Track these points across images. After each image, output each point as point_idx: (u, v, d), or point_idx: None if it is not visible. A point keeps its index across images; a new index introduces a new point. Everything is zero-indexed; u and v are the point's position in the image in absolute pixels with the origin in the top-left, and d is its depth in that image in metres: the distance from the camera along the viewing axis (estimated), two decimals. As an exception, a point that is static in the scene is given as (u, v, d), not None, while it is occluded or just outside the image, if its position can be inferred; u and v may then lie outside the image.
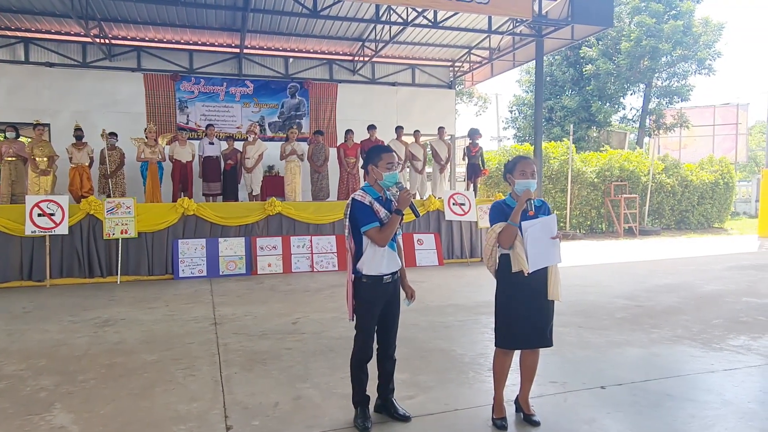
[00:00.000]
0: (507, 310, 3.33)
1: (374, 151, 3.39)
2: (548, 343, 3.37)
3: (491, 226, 3.35)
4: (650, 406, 3.63)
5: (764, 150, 18.09)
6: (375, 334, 3.39)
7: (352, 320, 3.38)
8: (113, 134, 10.45)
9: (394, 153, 3.43)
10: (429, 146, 12.12)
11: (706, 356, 4.71)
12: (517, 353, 3.47)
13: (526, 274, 3.19)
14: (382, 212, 3.27)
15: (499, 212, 3.32)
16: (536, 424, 3.34)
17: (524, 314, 3.28)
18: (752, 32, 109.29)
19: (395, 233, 3.32)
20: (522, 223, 3.22)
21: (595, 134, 25.76)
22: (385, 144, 10.32)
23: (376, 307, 3.33)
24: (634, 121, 27.43)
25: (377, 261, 3.28)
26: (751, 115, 35.85)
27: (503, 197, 3.51)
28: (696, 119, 28.21)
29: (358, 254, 3.31)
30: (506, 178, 3.42)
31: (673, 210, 18.66)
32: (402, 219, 3.33)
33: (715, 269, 9.67)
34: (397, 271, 3.39)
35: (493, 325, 3.42)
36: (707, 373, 4.31)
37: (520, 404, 3.47)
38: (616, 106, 26.43)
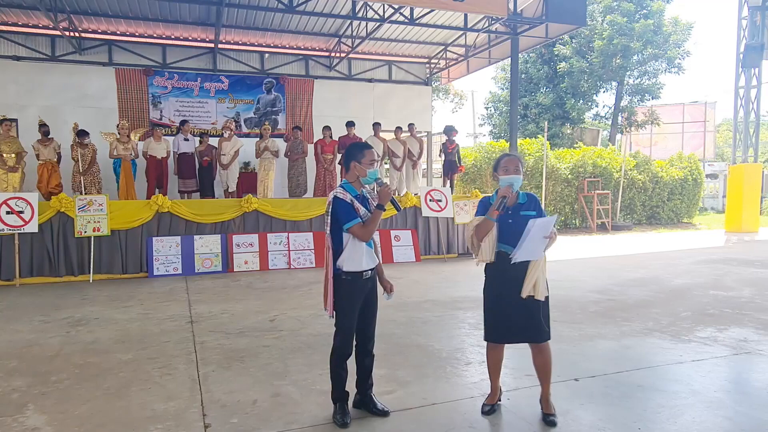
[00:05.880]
0: (490, 305, 3.46)
1: (357, 148, 3.41)
2: (534, 339, 3.40)
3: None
4: (621, 397, 3.73)
5: (731, 147, 18.59)
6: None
7: (332, 317, 3.40)
8: (83, 132, 10.13)
9: (374, 150, 3.46)
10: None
11: (675, 348, 4.85)
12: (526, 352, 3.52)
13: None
14: (361, 210, 3.31)
15: (483, 207, 3.46)
16: (553, 424, 3.32)
17: (504, 309, 3.37)
18: (719, 32, 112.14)
19: (372, 230, 3.35)
20: (530, 220, 3.23)
21: (568, 131, 26.16)
22: (364, 140, 10.36)
23: (356, 303, 3.35)
24: (606, 119, 27.92)
25: (357, 257, 3.31)
26: (718, 113, 36.92)
27: (480, 194, 3.61)
28: (666, 117, 28.85)
29: (337, 251, 3.33)
30: (494, 177, 3.55)
31: (644, 206, 19.08)
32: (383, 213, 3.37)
33: (684, 263, 9.93)
34: (374, 267, 3.43)
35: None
36: (676, 364, 4.44)
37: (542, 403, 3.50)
38: (589, 104, 26.86)
